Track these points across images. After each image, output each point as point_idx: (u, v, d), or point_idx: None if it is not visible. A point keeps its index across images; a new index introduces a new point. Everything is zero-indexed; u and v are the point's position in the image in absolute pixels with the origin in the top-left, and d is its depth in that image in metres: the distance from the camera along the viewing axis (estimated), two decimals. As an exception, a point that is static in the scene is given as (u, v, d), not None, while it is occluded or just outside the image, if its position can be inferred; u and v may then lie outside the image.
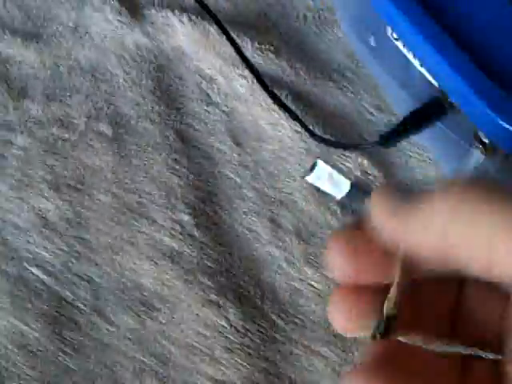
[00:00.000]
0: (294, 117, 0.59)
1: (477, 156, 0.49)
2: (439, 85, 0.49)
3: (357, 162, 0.58)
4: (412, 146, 0.60)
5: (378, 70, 0.60)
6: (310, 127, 0.60)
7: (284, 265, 0.55)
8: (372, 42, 0.58)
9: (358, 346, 0.51)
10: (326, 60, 0.65)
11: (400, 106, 0.60)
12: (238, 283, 0.54)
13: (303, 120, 0.60)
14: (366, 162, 0.58)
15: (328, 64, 0.65)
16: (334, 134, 0.60)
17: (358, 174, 0.58)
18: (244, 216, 0.57)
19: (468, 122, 0.49)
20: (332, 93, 0.63)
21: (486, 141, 0.47)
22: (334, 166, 0.58)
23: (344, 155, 0.58)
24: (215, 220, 0.57)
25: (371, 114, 0.62)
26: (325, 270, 0.54)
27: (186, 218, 0.56)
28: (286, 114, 0.60)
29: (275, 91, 0.61)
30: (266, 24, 0.68)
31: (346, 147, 0.58)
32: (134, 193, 0.58)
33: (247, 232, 0.56)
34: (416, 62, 0.52)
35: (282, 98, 0.61)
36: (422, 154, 0.59)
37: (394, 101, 0.61)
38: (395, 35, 0.52)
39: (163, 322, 0.53)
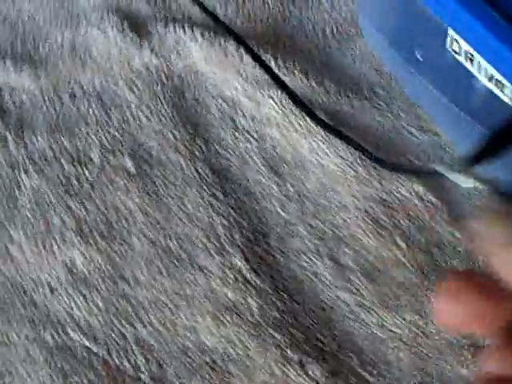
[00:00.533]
0: (339, 135, 0.54)
1: None
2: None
3: (411, 188, 0.53)
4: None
5: (420, 86, 0.55)
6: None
7: (357, 310, 0.49)
8: (418, 56, 0.53)
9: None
10: (353, 75, 0.60)
11: (448, 125, 0.56)
12: (314, 335, 0.48)
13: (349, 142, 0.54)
14: (421, 188, 0.54)
15: (357, 80, 0.60)
16: (380, 155, 0.55)
17: (415, 201, 0.53)
18: (300, 255, 0.51)
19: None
20: (368, 112, 0.58)
21: None
22: (388, 193, 0.53)
23: (400, 183, 0.53)
24: (269, 262, 0.51)
25: (411, 133, 0.57)
26: (402, 312, 0.49)
27: (238, 262, 0.50)
28: (327, 137, 0.55)
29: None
30: (283, 39, 0.62)
31: (414, 172, 0.53)
32: (172, 236, 0.51)
33: (309, 274, 0.51)
34: (481, 77, 0.48)
35: (317, 118, 0.56)
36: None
37: (439, 120, 0.57)
38: (456, 48, 0.48)
39: (237, 386, 0.46)
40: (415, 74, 0.55)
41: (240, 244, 0.51)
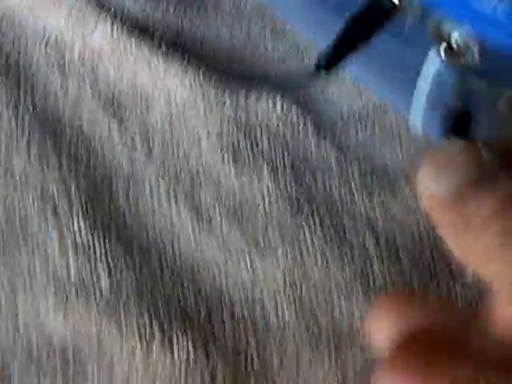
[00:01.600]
0: (181, 62, 0.47)
1: (436, 65, 0.39)
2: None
3: (273, 104, 0.47)
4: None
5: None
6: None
7: (223, 259, 0.42)
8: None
9: None
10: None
11: (303, 23, 0.49)
12: (178, 301, 0.41)
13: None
14: (279, 100, 0.47)
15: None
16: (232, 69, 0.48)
17: (275, 115, 0.46)
18: (153, 205, 0.44)
19: (420, 24, 0.38)
20: (213, 23, 0.51)
21: (456, 41, 0.37)
22: (242, 113, 0.46)
23: (257, 99, 0.47)
24: (117, 220, 0.44)
25: (267, 42, 0.50)
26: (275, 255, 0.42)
27: (77, 226, 0.43)
28: (170, 63, 0.47)
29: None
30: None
31: (272, 86, 0.46)
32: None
33: (166, 226, 0.44)
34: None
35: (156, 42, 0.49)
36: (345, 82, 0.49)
37: (296, 22, 0.50)
38: None
39: None
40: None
41: (79, 204, 0.43)
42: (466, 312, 0.31)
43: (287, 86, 0.44)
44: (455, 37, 0.36)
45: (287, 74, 0.47)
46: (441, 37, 0.37)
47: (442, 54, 0.38)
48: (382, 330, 0.30)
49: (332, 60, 0.38)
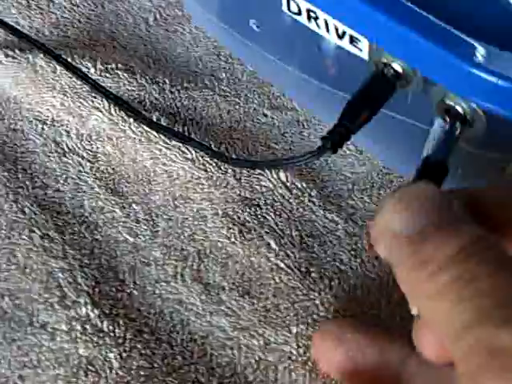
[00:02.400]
0: (182, 138, 0.46)
1: (441, 133, 0.39)
2: (375, 55, 0.38)
3: (277, 178, 0.46)
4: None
5: (262, 59, 0.48)
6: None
7: (236, 334, 0.42)
8: (254, 27, 0.46)
9: None
10: (190, 64, 0.52)
11: (304, 97, 0.49)
12: (190, 375, 0.40)
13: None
14: (283, 174, 0.46)
15: (194, 68, 0.52)
16: (231, 150, 0.48)
17: (280, 191, 0.46)
18: (159, 284, 0.43)
19: (425, 96, 0.38)
20: (212, 101, 0.50)
21: (462, 113, 0.37)
22: (248, 189, 0.46)
23: (260, 174, 0.46)
24: (124, 301, 0.43)
25: (265, 115, 0.50)
26: (287, 324, 0.42)
27: (85, 310, 0.42)
28: (169, 141, 0.47)
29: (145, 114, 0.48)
30: (102, 40, 0.54)
31: (273, 165, 0.45)
32: (3, 296, 0.43)
33: (174, 304, 0.43)
34: (331, 36, 0.40)
35: (155, 120, 0.48)
36: (349, 150, 0.49)
37: (293, 93, 0.49)
38: (294, 8, 0.41)
39: None
40: (254, 47, 0.48)
41: (86, 288, 0.42)
42: (403, 345, 0.32)
43: (292, 165, 0.43)
44: (461, 109, 0.36)
45: (292, 156, 0.46)
46: (446, 109, 0.37)
47: (447, 124, 0.37)
48: (325, 354, 0.33)
49: (339, 139, 0.38)
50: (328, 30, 0.40)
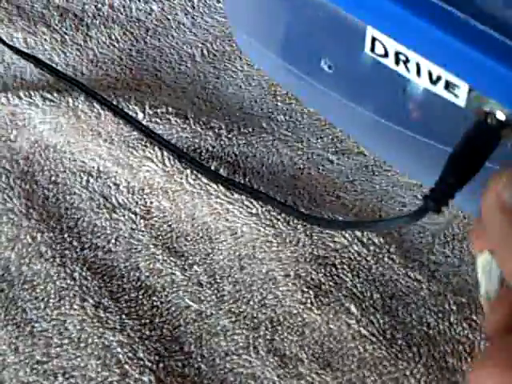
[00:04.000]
0: (247, 191, 0.42)
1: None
2: (474, 103, 0.34)
3: (351, 234, 0.42)
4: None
5: (332, 103, 0.43)
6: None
7: None
8: (325, 67, 0.42)
9: None
10: (244, 105, 0.48)
11: (380, 145, 0.45)
12: None
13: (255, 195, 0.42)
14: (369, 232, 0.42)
15: (249, 110, 0.48)
16: (298, 202, 0.44)
17: (356, 248, 0.42)
18: (230, 357, 0.39)
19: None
20: (271, 147, 0.46)
21: None
22: (320, 247, 0.42)
23: (333, 234, 0.42)
24: (191, 377, 0.39)
25: (331, 161, 0.46)
26: None
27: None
28: (231, 194, 0.43)
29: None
30: (146, 79, 0.49)
31: (364, 227, 0.41)
32: (57, 374, 0.38)
33: (247, 379, 0.38)
34: (421, 80, 0.36)
35: (213, 171, 0.44)
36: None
37: (366, 140, 0.45)
38: (380, 50, 0.37)
39: None
40: (323, 89, 0.43)
41: (149, 363, 0.38)
42: None
43: (389, 227, 0.39)
44: None
45: (387, 218, 0.42)
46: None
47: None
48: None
49: (443, 197, 0.33)
50: (419, 75, 0.36)
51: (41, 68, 0.48)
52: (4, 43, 0.48)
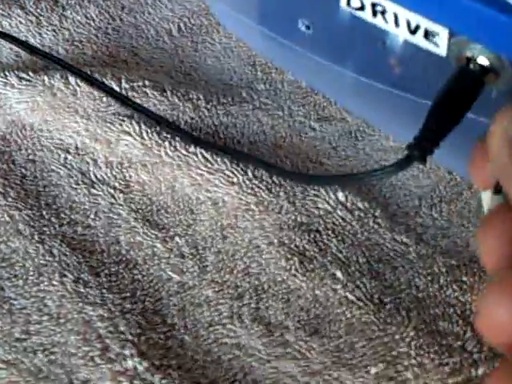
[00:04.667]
0: (230, 156, 0.41)
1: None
2: (455, 50, 0.33)
3: (335, 199, 0.41)
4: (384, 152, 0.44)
5: (311, 65, 0.42)
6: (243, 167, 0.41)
7: (307, 380, 0.36)
8: (303, 28, 0.41)
9: None
10: (223, 76, 0.47)
11: (361, 105, 0.44)
12: None
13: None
14: (341, 194, 0.41)
15: (228, 80, 0.47)
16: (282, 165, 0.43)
17: (340, 213, 0.41)
18: (214, 327, 0.38)
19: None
20: (252, 116, 0.45)
21: None
22: (303, 214, 0.41)
23: (316, 195, 0.41)
24: (175, 349, 0.37)
25: (313, 128, 0.45)
26: (365, 365, 0.36)
27: (132, 363, 0.36)
28: (211, 164, 0.42)
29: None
30: (123, 55, 0.48)
31: (347, 181, 0.40)
32: (37, 351, 0.37)
33: (232, 350, 0.37)
34: (401, 31, 0.35)
35: (193, 142, 0.43)
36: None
37: (347, 102, 0.44)
38: (356, 3, 0.36)
39: None
40: (302, 51, 0.42)
41: (130, 337, 0.37)
42: None
43: (372, 179, 0.38)
44: None
45: (370, 170, 0.41)
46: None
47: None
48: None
49: (427, 146, 0.32)
50: (397, 25, 0.35)
51: (17, 46, 0.47)
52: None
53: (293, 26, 0.40)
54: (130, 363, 0.36)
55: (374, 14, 0.35)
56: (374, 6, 0.35)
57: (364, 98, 0.42)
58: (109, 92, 0.43)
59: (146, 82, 0.45)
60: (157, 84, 0.45)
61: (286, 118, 0.45)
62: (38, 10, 0.50)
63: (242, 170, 0.41)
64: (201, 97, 0.45)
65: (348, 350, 0.37)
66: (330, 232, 0.40)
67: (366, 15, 0.35)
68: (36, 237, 0.40)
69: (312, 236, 0.40)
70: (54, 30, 0.49)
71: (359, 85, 0.41)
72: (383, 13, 0.35)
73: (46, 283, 0.39)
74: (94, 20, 0.49)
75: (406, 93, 0.39)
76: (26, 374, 0.36)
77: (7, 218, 0.41)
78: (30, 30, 0.49)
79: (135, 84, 0.45)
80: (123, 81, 0.44)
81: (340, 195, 0.41)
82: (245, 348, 0.37)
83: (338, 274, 0.39)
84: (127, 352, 0.36)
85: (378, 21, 0.35)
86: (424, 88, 0.37)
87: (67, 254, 0.40)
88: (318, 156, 0.43)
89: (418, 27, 0.34)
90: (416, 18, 0.34)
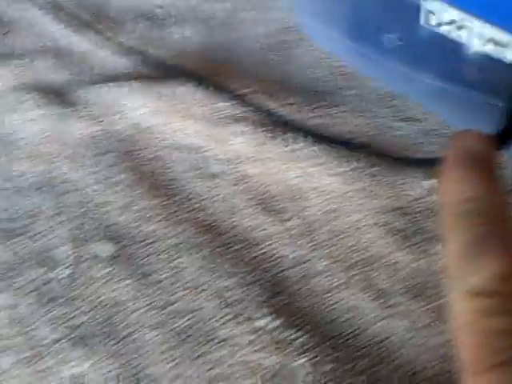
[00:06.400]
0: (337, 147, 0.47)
1: None
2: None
3: (423, 186, 0.47)
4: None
5: (395, 74, 0.49)
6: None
7: (414, 334, 0.42)
8: (386, 43, 0.47)
9: None
10: (316, 84, 0.54)
11: (441, 107, 0.50)
12: (376, 377, 0.41)
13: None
14: (429, 182, 0.48)
15: (316, 87, 0.54)
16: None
17: (433, 198, 0.47)
18: (331, 293, 0.44)
19: None
20: (341, 118, 0.52)
21: None
22: (401, 199, 0.47)
23: (407, 183, 0.47)
24: (301, 311, 0.44)
25: (400, 129, 0.51)
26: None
27: (265, 323, 0.42)
28: (316, 156, 0.48)
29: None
30: (223, 68, 0.55)
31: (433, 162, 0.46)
32: (181, 314, 0.43)
33: (348, 311, 0.43)
34: (476, 43, 0.42)
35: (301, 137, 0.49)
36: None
37: (429, 105, 0.51)
38: (433, 21, 0.42)
39: None
40: (386, 63, 0.49)
41: (261, 299, 0.43)
42: None
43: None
44: None
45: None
46: None
47: None
48: None
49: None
50: (471, 39, 0.42)
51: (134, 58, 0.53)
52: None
53: (379, 40, 0.47)
54: (262, 322, 0.42)
55: (451, 30, 0.42)
56: (451, 23, 0.41)
57: (442, 100, 0.49)
58: (223, 97, 0.49)
59: (253, 89, 0.51)
60: (261, 90, 0.51)
61: (372, 118, 0.51)
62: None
63: (346, 162, 0.47)
64: (299, 101, 0.52)
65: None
66: (425, 214, 0.46)
67: (444, 31, 0.42)
68: (172, 220, 0.46)
69: (408, 218, 0.46)
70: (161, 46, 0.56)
71: (439, 90, 0.47)
72: (460, 28, 0.41)
73: (184, 257, 0.45)
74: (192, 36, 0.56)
75: (480, 95, 0.45)
76: (170, 336, 0.42)
77: (142, 206, 0.47)
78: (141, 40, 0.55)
79: (243, 91, 0.51)
80: (233, 88, 0.51)
81: (432, 182, 0.47)
82: (357, 311, 0.43)
83: (438, 247, 0.45)
84: (259, 314, 0.43)
85: (455, 35, 0.42)
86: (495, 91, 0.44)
87: (199, 234, 0.46)
88: (404, 151, 0.50)
89: (490, 39, 0.41)
90: (488, 31, 0.40)
